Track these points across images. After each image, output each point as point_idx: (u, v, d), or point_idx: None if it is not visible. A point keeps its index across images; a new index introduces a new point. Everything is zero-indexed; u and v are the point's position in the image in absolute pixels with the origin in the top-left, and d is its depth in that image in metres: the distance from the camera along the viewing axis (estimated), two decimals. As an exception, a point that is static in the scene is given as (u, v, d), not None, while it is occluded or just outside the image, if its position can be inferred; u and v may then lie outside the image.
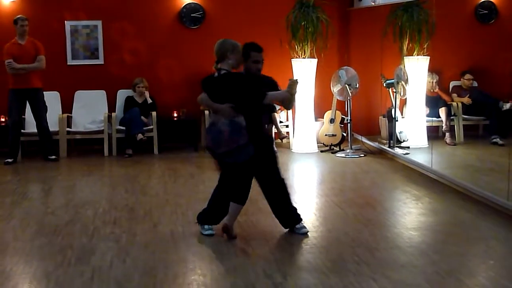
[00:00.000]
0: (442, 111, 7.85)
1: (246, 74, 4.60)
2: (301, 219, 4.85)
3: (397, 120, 7.78)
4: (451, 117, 7.88)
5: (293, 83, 4.53)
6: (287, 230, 4.85)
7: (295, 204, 4.93)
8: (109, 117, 8.30)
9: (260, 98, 4.45)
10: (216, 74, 4.49)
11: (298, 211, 4.89)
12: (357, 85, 8.08)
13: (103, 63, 8.70)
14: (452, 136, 7.83)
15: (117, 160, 7.98)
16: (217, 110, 4.44)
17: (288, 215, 4.81)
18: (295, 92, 4.58)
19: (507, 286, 3.78)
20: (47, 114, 7.85)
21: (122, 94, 8.58)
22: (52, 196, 6.36)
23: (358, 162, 7.67)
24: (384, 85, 7.90)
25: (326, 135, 8.44)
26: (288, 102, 4.69)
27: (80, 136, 8.41)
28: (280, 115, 8.69)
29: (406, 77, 7.77)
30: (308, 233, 4.79)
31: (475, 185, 5.83)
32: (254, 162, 4.49)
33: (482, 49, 7.78)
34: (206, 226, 4.80)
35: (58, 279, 3.96)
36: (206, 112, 8.08)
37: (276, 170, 4.72)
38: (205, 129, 4.47)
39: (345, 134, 8.39)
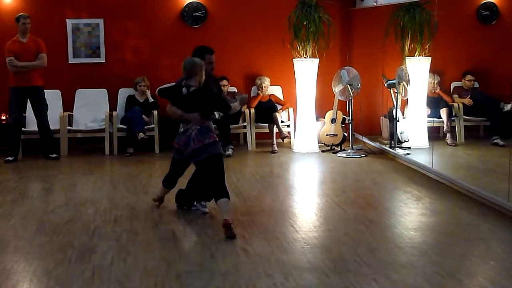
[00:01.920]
0: (443, 112, 7.86)
1: (205, 84, 5.13)
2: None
3: (398, 121, 7.78)
4: (452, 118, 7.88)
5: (245, 99, 5.44)
6: (287, 230, 4.87)
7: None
8: (110, 115, 8.30)
9: (227, 109, 5.24)
10: (184, 90, 5.01)
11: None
12: (359, 85, 8.07)
13: (104, 61, 8.70)
14: (453, 136, 7.84)
15: (118, 159, 7.98)
16: (189, 119, 5.00)
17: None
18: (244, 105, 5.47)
19: (507, 287, 3.78)
20: (48, 112, 7.85)
21: (123, 93, 8.57)
22: (52, 194, 6.37)
23: (359, 162, 7.67)
24: (386, 85, 7.90)
25: (327, 135, 8.44)
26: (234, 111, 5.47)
27: (81, 135, 8.41)
28: (282, 115, 8.69)
29: (407, 78, 7.77)
30: (309, 233, 4.80)
31: (475, 186, 5.83)
32: (217, 160, 4.99)
33: (483, 50, 7.78)
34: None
35: (59, 278, 3.96)
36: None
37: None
38: (178, 133, 5.16)
39: (346, 134, 8.39)
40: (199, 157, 4.95)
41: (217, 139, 5.08)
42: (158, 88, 5.33)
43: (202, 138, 4.94)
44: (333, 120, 8.43)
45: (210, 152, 4.94)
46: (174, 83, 5.32)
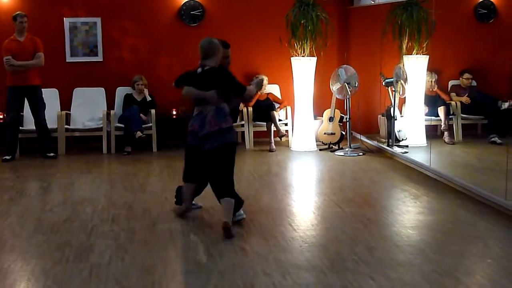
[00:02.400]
0: (441, 110, 7.86)
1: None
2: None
3: (396, 119, 7.78)
4: (450, 116, 7.89)
5: (261, 81, 5.07)
6: (285, 229, 4.88)
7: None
8: (108, 114, 8.29)
9: (242, 91, 4.89)
10: (199, 69, 4.83)
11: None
12: (356, 83, 8.08)
13: (102, 60, 8.69)
14: (451, 135, 7.84)
15: (116, 158, 7.97)
16: (204, 97, 4.77)
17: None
18: (260, 88, 5.08)
19: (504, 285, 3.79)
20: (45, 111, 7.84)
21: (121, 92, 8.57)
22: (50, 193, 6.36)
23: (357, 160, 7.67)
24: (383, 84, 7.90)
25: (325, 133, 8.45)
26: (251, 97, 5.20)
27: (79, 134, 8.40)
28: (280, 114, 8.69)
29: (405, 76, 7.77)
30: (307, 231, 4.81)
31: (473, 184, 5.83)
32: (230, 150, 4.79)
33: (481, 49, 7.78)
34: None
35: (56, 277, 3.95)
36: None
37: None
38: (191, 118, 4.97)
39: (344, 133, 8.39)
40: (213, 142, 4.72)
41: (233, 125, 4.89)
42: (174, 81, 5.09)
43: (219, 121, 4.72)
44: (331, 119, 8.43)
45: (226, 139, 4.75)
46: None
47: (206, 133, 4.72)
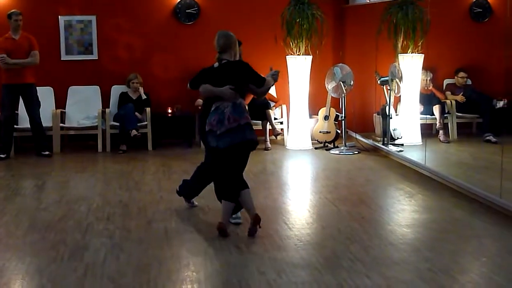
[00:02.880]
0: (436, 109, 7.87)
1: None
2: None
3: (391, 118, 7.80)
4: (445, 115, 7.90)
5: (277, 74, 4.82)
6: (280, 227, 4.88)
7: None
8: (103, 113, 8.27)
9: (262, 82, 4.71)
10: (216, 64, 4.69)
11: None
12: (352, 82, 8.08)
13: (97, 58, 8.67)
14: (446, 133, 7.86)
15: (111, 156, 7.96)
16: (219, 93, 4.60)
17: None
18: (276, 81, 4.91)
19: (499, 283, 3.80)
20: (40, 109, 7.82)
21: (116, 90, 8.55)
22: (45, 192, 6.34)
23: (352, 159, 7.68)
24: (379, 82, 7.91)
25: (320, 132, 8.45)
26: (267, 90, 4.90)
27: (74, 132, 8.38)
28: (275, 112, 8.69)
29: (400, 75, 7.78)
30: (302, 230, 4.81)
31: (468, 183, 5.85)
32: (248, 149, 4.65)
33: (476, 47, 7.81)
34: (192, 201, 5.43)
35: (51, 275, 3.95)
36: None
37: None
38: (208, 115, 4.69)
39: (339, 131, 8.40)
40: (233, 139, 4.50)
41: (251, 121, 4.68)
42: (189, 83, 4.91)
43: (238, 117, 4.52)
44: (326, 117, 8.43)
45: (247, 136, 4.55)
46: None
47: (225, 131, 4.51)
